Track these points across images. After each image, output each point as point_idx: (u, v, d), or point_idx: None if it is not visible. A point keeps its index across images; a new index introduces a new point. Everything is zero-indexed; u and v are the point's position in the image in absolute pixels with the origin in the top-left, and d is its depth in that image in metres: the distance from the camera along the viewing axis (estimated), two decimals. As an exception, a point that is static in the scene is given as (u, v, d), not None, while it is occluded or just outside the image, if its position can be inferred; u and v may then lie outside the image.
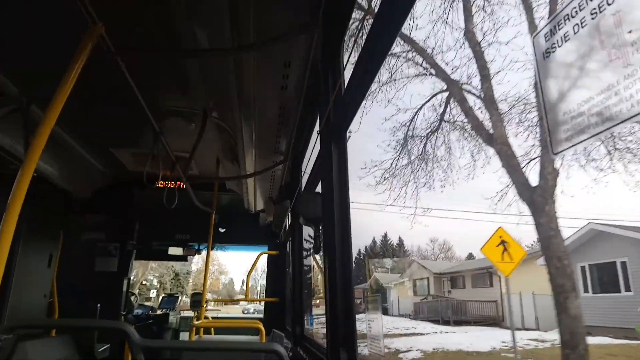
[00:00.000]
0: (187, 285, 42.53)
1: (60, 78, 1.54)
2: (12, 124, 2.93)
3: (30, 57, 2.49)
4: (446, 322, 24.25)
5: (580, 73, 0.62)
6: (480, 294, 26.43)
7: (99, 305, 4.15)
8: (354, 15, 1.86)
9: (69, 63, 1.57)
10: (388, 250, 60.10)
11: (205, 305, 4.13)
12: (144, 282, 36.01)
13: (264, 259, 5.78)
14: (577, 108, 0.61)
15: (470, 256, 51.69)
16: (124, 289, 4.81)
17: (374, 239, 63.50)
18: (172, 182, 3.51)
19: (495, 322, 23.58)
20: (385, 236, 63.89)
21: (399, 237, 63.37)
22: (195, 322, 3.86)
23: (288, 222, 4.72)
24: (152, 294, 34.76)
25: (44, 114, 1.51)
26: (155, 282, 40.05)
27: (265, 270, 6.02)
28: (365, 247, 61.78)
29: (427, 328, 21.90)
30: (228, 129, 3.28)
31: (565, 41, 0.65)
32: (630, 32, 0.53)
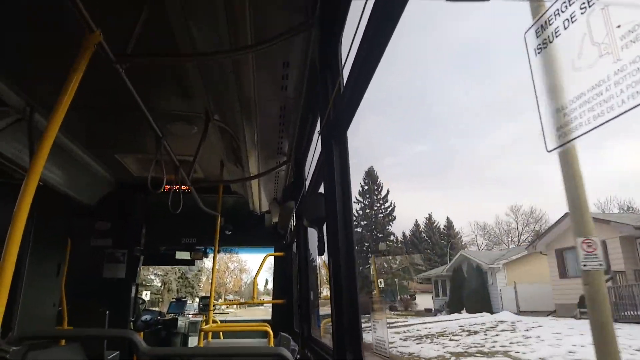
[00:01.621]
0: (197, 285, 37.22)
1: (62, 86, 1.55)
2: (17, 133, 2.95)
3: (32, 66, 2.52)
4: None
5: (572, 69, 0.61)
6: None
7: (107, 312, 4.16)
8: (350, 12, 1.85)
9: (70, 71, 1.58)
10: (434, 234, 50.94)
11: (213, 309, 4.14)
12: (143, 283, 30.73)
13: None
14: (569, 105, 0.61)
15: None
16: (132, 295, 4.83)
17: (416, 221, 52.10)
18: (177, 187, 3.52)
19: None
20: (429, 218, 52.24)
21: (447, 218, 52.25)
22: (204, 327, 3.88)
23: (293, 223, 4.72)
24: (146, 296, 27.31)
25: (47, 122, 1.52)
26: (157, 281, 34.59)
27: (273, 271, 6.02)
28: (403, 233, 51.62)
29: None
30: (230, 131, 3.29)
31: (556, 37, 0.64)
32: (619, 26, 0.52)
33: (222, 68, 2.30)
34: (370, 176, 50.40)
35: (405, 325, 20.33)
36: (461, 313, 23.83)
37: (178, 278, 35.47)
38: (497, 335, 14.76)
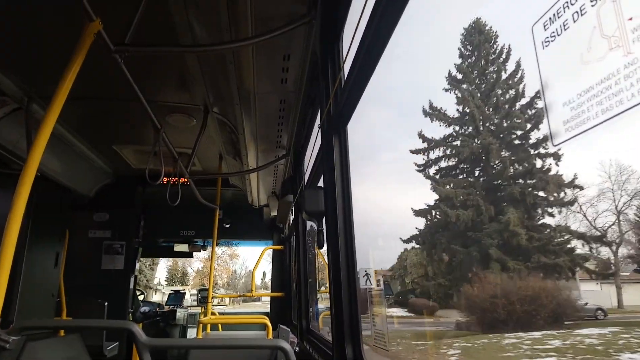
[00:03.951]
0: (152, 274, 29.58)
1: (60, 76, 1.54)
2: (14, 123, 2.94)
3: (31, 56, 2.49)
4: None
5: (580, 62, 0.60)
6: None
7: (106, 303, 4.17)
8: (353, 3, 1.83)
9: (69, 60, 1.56)
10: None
11: (211, 301, 4.15)
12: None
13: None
14: (577, 98, 0.60)
15: None
16: (131, 286, 4.84)
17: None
18: (176, 179, 3.51)
19: None
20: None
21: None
22: (202, 319, 3.88)
23: (292, 217, 4.73)
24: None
25: (45, 112, 1.50)
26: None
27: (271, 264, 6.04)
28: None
29: None
30: (229, 124, 3.27)
31: (565, 29, 0.63)
32: (630, 19, 0.52)
33: (222, 60, 2.29)
34: (482, 35, 22.70)
35: None
36: None
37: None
38: None
